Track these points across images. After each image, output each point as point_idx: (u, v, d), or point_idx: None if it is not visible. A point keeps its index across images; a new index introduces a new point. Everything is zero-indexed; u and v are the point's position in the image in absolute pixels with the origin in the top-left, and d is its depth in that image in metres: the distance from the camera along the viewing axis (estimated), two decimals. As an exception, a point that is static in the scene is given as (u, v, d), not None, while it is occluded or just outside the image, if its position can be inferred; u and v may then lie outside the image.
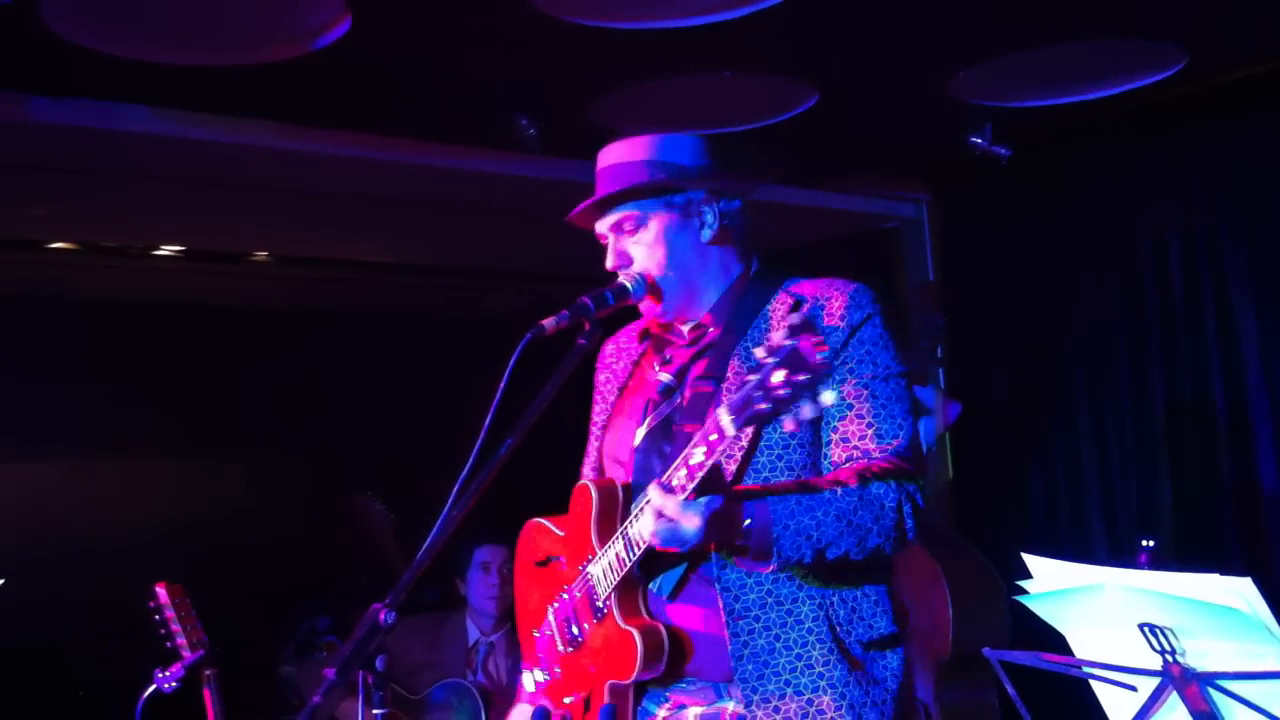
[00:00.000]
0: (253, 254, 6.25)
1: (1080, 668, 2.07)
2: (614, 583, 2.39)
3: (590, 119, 4.77)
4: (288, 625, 5.78)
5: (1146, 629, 1.91)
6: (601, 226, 2.54)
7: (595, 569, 2.44)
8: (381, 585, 2.23)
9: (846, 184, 5.90)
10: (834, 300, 2.40)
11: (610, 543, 2.40)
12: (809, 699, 2.30)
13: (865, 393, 2.35)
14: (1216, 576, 1.83)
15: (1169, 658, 1.91)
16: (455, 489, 2.20)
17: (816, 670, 2.31)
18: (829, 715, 2.29)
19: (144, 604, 3.50)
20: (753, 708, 2.32)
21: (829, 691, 2.30)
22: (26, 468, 6.60)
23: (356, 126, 4.75)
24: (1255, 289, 5.10)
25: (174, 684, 3.38)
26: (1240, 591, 1.81)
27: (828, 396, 2.00)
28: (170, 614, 3.46)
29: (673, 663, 2.39)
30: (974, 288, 6.03)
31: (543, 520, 2.68)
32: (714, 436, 2.12)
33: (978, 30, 4.26)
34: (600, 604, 2.43)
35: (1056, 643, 2.19)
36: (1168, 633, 1.90)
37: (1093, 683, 2.08)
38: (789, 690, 2.30)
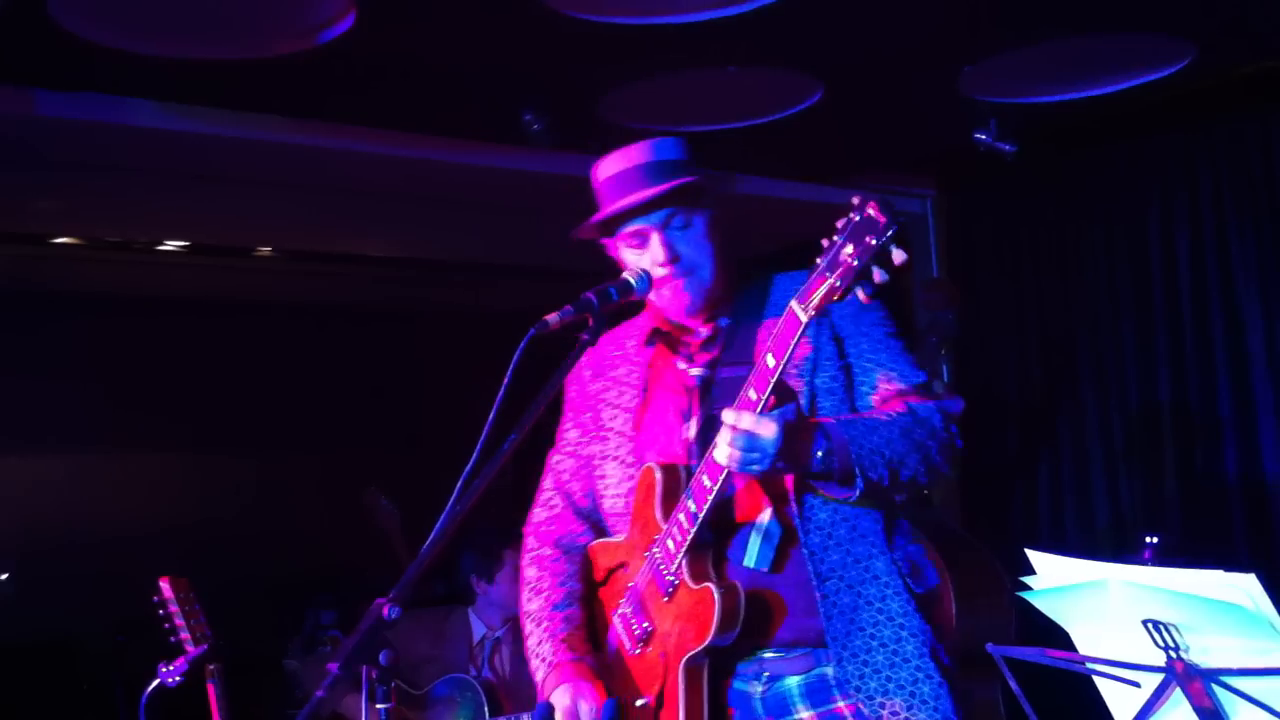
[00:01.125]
0: (258, 249, 6.26)
1: (1084, 664, 2.07)
2: (684, 546, 2.41)
3: (598, 114, 4.77)
4: (294, 619, 5.79)
5: (1150, 625, 1.91)
6: (645, 223, 2.53)
7: (660, 546, 2.47)
8: (388, 580, 2.23)
9: (851, 179, 5.89)
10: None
11: (675, 510, 2.43)
12: (894, 649, 2.41)
13: (882, 347, 2.51)
14: (1221, 572, 1.82)
15: (1173, 654, 1.91)
16: (459, 485, 2.20)
17: (897, 621, 2.42)
18: (914, 662, 2.41)
19: (149, 598, 3.50)
20: (844, 664, 2.41)
21: (910, 640, 2.41)
22: (33, 462, 6.61)
23: (363, 121, 4.75)
24: (1262, 285, 5.09)
25: (178, 678, 3.38)
26: (1245, 587, 1.81)
27: (898, 254, 2.06)
28: (174, 608, 3.46)
29: (751, 626, 2.41)
30: (979, 284, 6.02)
31: (599, 540, 2.71)
32: (784, 331, 2.19)
33: (984, 26, 4.25)
34: (670, 576, 2.45)
35: (1060, 639, 2.19)
36: (1172, 629, 1.89)
37: (1096, 679, 2.08)
38: (874, 643, 2.41)
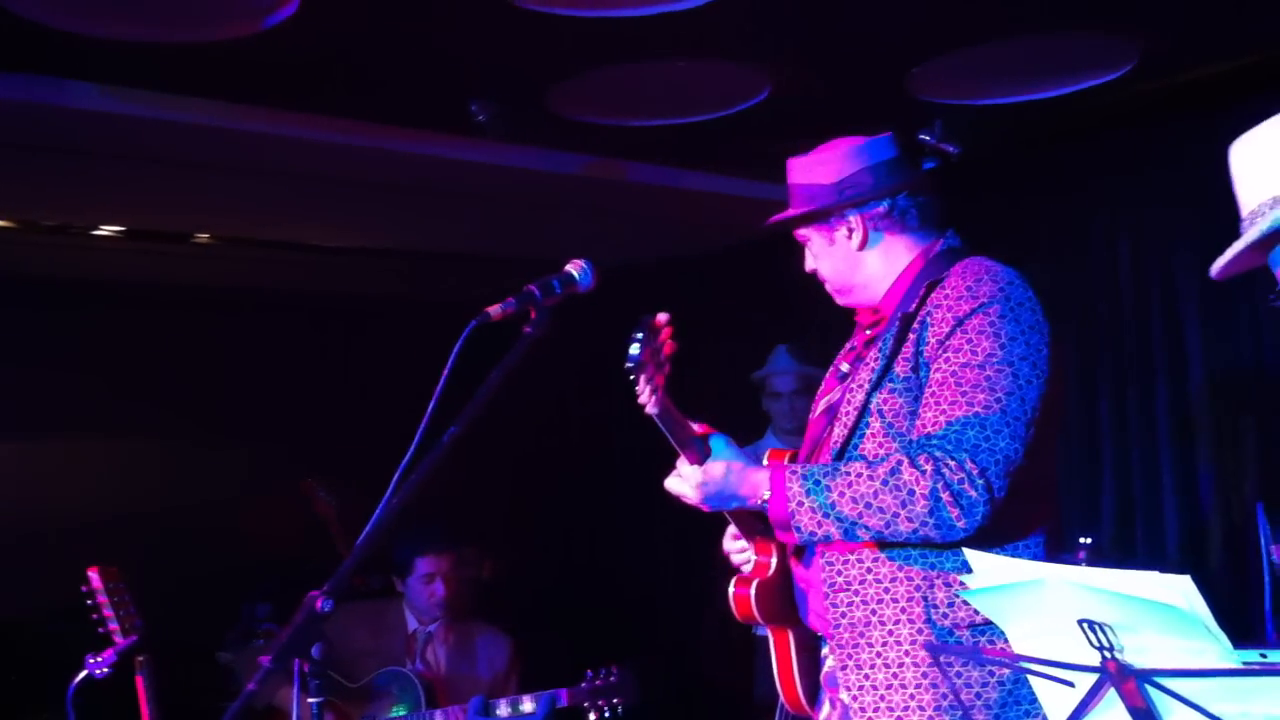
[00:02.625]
0: (198, 235, 6.18)
1: (1018, 662, 2.08)
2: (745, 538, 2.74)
3: (546, 106, 4.75)
4: (228, 611, 5.72)
5: (1086, 625, 1.92)
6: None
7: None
8: (325, 572, 2.21)
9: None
10: (954, 289, 2.50)
11: None
12: (894, 672, 2.45)
13: (951, 380, 2.42)
14: (1156, 574, 1.83)
15: (1107, 654, 1.92)
16: (396, 477, 2.18)
17: (904, 647, 2.45)
18: (909, 690, 2.44)
19: (79, 588, 3.45)
20: (847, 672, 2.49)
21: (912, 669, 2.44)
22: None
23: (306, 108, 4.69)
24: (1202, 290, 5.15)
25: (106, 670, 3.34)
26: (1179, 589, 1.82)
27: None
28: (103, 598, 3.41)
29: (787, 615, 2.67)
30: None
31: None
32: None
33: (932, 26, 4.27)
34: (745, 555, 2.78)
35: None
36: (1107, 629, 1.90)
37: (1031, 678, 2.09)
38: (879, 661, 2.47)
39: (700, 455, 2.51)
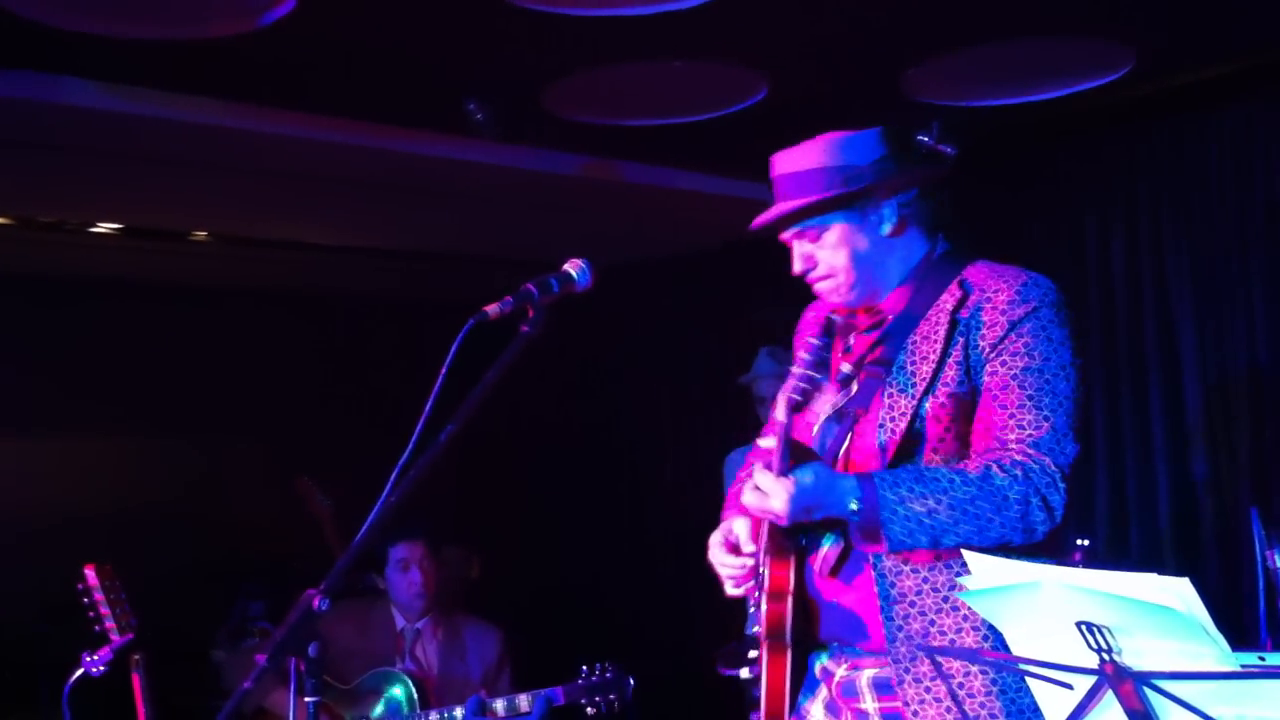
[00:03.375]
0: (193, 233, 6.17)
1: (1016, 665, 2.08)
2: (762, 550, 2.55)
3: (542, 106, 4.74)
4: (223, 609, 5.72)
5: (1084, 627, 1.92)
6: (785, 235, 2.63)
7: (759, 543, 2.58)
8: (319, 570, 2.20)
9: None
10: (1001, 293, 2.47)
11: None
12: (959, 682, 2.38)
13: (1014, 384, 2.40)
14: (1155, 576, 1.83)
15: (1105, 656, 1.92)
16: (393, 476, 2.18)
17: None
18: (979, 699, 2.37)
19: (74, 586, 3.44)
20: (904, 686, 2.41)
21: (979, 677, 2.38)
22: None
23: (303, 107, 4.69)
24: (1194, 292, 5.15)
25: (101, 668, 3.33)
26: (1178, 591, 1.82)
27: (828, 395, 2.41)
28: (99, 596, 3.40)
29: (809, 631, 2.54)
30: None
31: None
32: (781, 422, 2.41)
33: (928, 28, 4.27)
34: (762, 569, 2.57)
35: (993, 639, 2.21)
36: (1105, 631, 1.90)
37: (1029, 680, 2.09)
38: (940, 672, 2.38)
39: (784, 466, 2.38)
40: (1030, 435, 2.36)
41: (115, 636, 3.38)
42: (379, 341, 7.46)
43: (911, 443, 2.44)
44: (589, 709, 4.06)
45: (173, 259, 6.52)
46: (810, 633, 2.56)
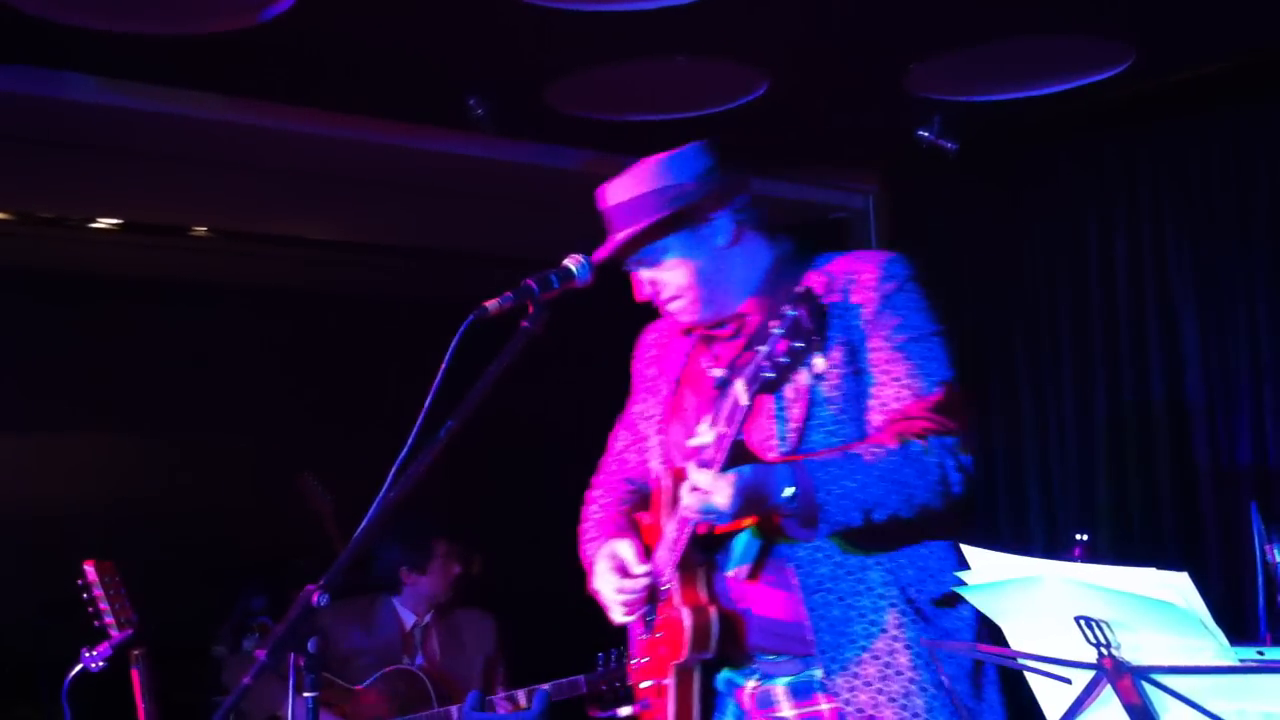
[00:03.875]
0: (193, 228, 6.16)
1: (1015, 659, 2.08)
2: (673, 563, 2.48)
3: (544, 101, 4.74)
4: (223, 605, 5.71)
5: (1083, 622, 1.92)
6: (627, 266, 2.60)
7: (661, 553, 2.53)
8: (320, 566, 2.21)
9: (795, 173, 5.90)
10: (866, 272, 2.48)
11: (671, 522, 2.49)
12: (886, 661, 2.38)
13: (899, 355, 2.42)
14: (1154, 570, 1.83)
15: (1103, 650, 1.92)
16: (393, 472, 2.18)
17: (890, 633, 2.39)
18: (906, 674, 2.37)
19: (73, 582, 3.44)
20: (834, 676, 2.40)
21: (904, 652, 2.38)
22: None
23: (303, 102, 4.69)
24: (1197, 288, 5.16)
25: (101, 663, 3.34)
26: (1177, 586, 1.82)
27: (819, 362, 2.19)
28: (99, 592, 3.40)
29: (728, 643, 2.48)
30: (920, 280, 6.05)
31: (643, 513, 2.76)
32: (733, 408, 2.26)
33: (932, 24, 4.27)
34: (664, 586, 2.52)
35: (993, 634, 2.21)
36: (1104, 626, 1.90)
37: (1028, 675, 2.09)
38: (865, 654, 2.39)
39: (726, 462, 2.30)
40: (928, 401, 2.39)
41: (115, 632, 3.38)
42: (379, 338, 7.44)
43: (810, 428, 2.43)
44: (605, 688, 4.08)
45: (171, 254, 6.52)
46: (737, 647, 2.50)
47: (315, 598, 2.05)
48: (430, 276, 7.27)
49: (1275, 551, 3.94)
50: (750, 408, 2.25)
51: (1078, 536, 4.39)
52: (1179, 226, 5.22)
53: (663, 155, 2.55)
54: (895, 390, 2.41)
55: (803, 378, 2.23)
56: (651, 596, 2.57)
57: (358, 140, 4.90)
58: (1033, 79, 4.82)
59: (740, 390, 2.23)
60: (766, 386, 2.22)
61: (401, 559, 4.67)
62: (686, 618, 2.45)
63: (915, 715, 2.36)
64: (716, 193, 2.53)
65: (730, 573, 2.49)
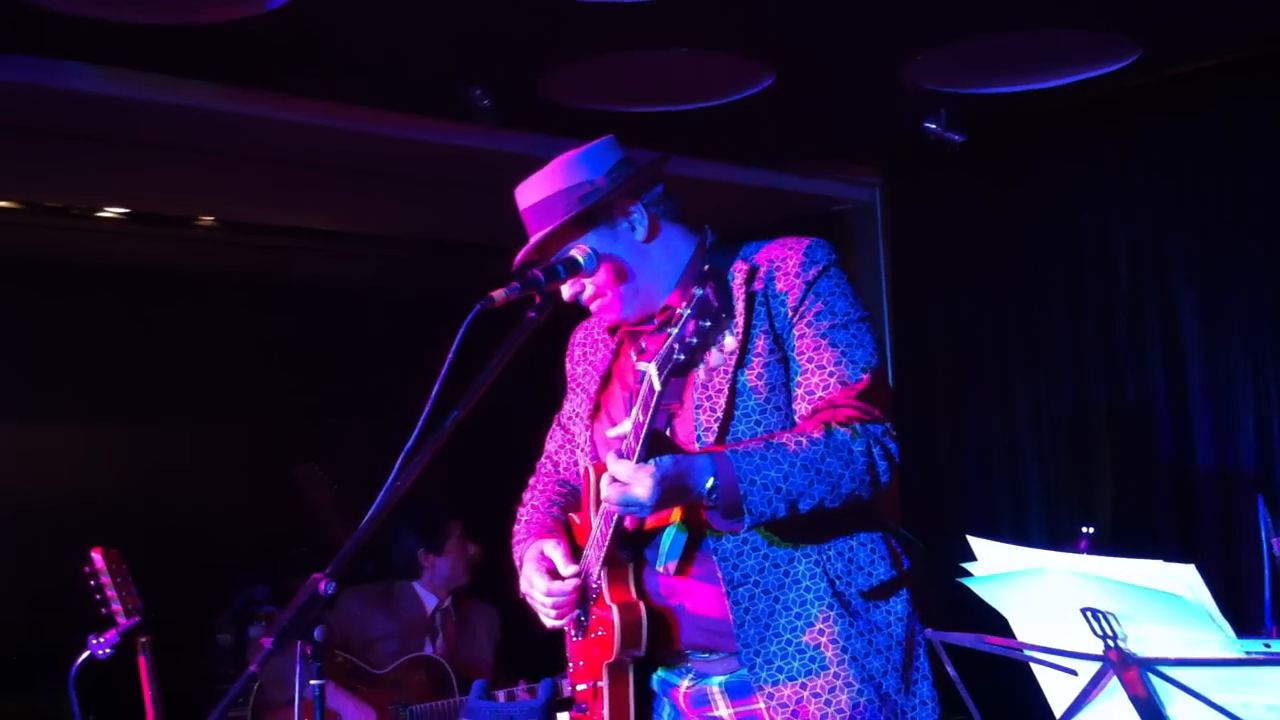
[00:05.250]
0: (198, 218, 6.16)
1: (1021, 651, 2.08)
2: (600, 560, 2.44)
3: (544, 93, 4.74)
4: (227, 594, 5.73)
5: (1089, 613, 1.92)
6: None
7: (589, 551, 2.48)
8: (322, 555, 2.20)
9: (799, 165, 5.89)
10: (789, 259, 2.43)
11: (598, 518, 2.44)
12: (811, 655, 2.35)
13: (824, 342, 2.38)
14: (1160, 562, 1.84)
15: (1109, 642, 1.92)
16: (399, 461, 2.18)
17: (817, 627, 2.35)
18: (832, 669, 2.34)
19: (79, 570, 3.44)
20: (757, 670, 2.37)
21: (830, 646, 2.34)
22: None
23: (305, 93, 4.68)
24: (1197, 280, 5.16)
25: (108, 650, 3.34)
26: (1183, 578, 1.83)
27: (729, 341, 2.10)
28: (106, 580, 3.41)
29: (660, 640, 2.44)
30: (923, 272, 6.06)
31: (573, 514, 2.71)
32: (647, 393, 2.18)
33: (934, 16, 4.26)
34: (594, 584, 2.47)
35: (999, 626, 2.20)
36: (1110, 618, 1.91)
37: (1033, 666, 2.09)
38: (790, 649, 2.35)
39: (644, 452, 2.23)
40: (854, 388, 2.35)
41: (121, 620, 3.38)
42: (381, 329, 7.45)
43: (735, 418, 2.39)
44: None
45: (172, 245, 6.52)
46: (668, 644, 2.46)
47: (322, 586, 2.04)
48: (431, 267, 7.28)
49: (1280, 543, 3.95)
50: (663, 392, 2.17)
51: (1083, 529, 4.39)
52: (1178, 218, 5.22)
53: (573, 152, 2.52)
54: (821, 378, 2.37)
55: (713, 358, 2.14)
56: (583, 598, 2.52)
57: (358, 131, 4.90)
58: (1034, 72, 4.82)
59: (652, 374, 2.16)
60: (678, 369, 2.14)
61: (418, 542, 4.72)
62: (615, 616, 2.40)
63: (839, 711, 2.32)
64: (629, 186, 2.50)
65: (659, 568, 2.44)
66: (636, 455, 2.21)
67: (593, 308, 2.56)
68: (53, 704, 4.87)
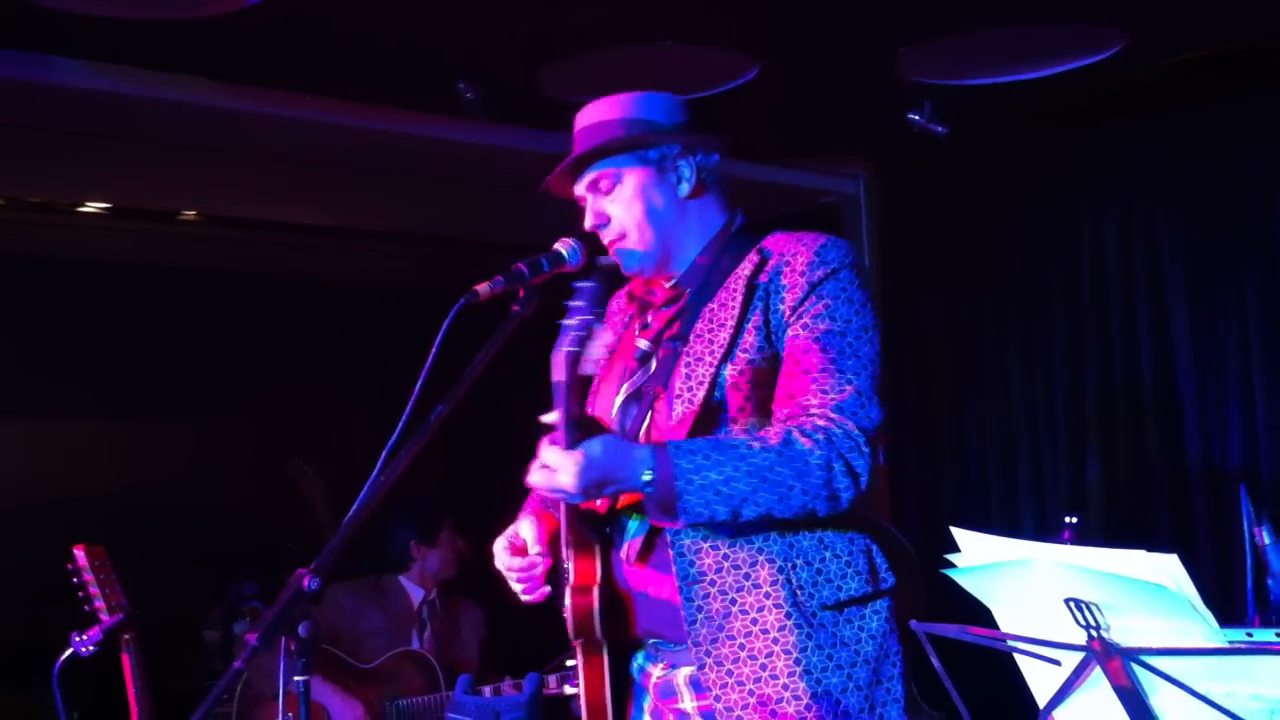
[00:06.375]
0: (184, 213, 6.15)
1: (1005, 641, 2.08)
2: (565, 543, 2.44)
3: (533, 86, 4.73)
4: (215, 590, 5.72)
5: (1072, 604, 1.92)
6: (579, 188, 2.54)
7: (564, 533, 2.48)
8: (311, 551, 2.20)
9: (785, 158, 5.89)
10: (800, 256, 2.39)
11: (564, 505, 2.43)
12: (762, 663, 2.29)
13: (815, 347, 2.31)
14: (1144, 553, 1.84)
15: (1093, 632, 1.93)
16: (383, 457, 2.17)
17: (771, 635, 2.29)
18: (782, 680, 2.28)
19: (65, 567, 3.44)
20: (706, 670, 2.32)
21: (782, 656, 2.28)
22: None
23: (293, 87, 4.67)
24: (1188, 275, 5.17)
25: (91, 648, 3.33)
26: (1166, 568, 1.83)
27: (606, 336, 2.22)
28: (89, 576, 3.40)
29: (619, 625, 2.42)
30: (910, 265, 6.06)
31: None
32: (559, 383, 2.24)
33: (922, 8, 4.26)
34: (566, 563, 2.46)
35: (983, 616, 2.20)
36: (1094, 608, 1.91)
37: (1017, 657, 2.10)
38: (743, 654, 2.30)
39: (572, 438, 2.22)
40: (833, 399, 2.27)
41: (105, 617, 3.38)
42: (369, 324, 7.45)
43: (710, 413, 2.34)
44: None
45: (162, 240, 6.50)
46: (626, 630, 2.44)
47: (306, 582, 2.04)
48: (421, 262, 7.27)
49: (1264, 533, 3.95)
50: (566, 383, 2.21)
51: (1067, 519, 4.40)
52: (1169, 212, 5.23)
53: (641, 92, 2.51)
54: (804, 382, 2.30)
55: (596, 350, 2.19)
56: (562, 578, 2.50)
57: (348, 125, 4.88)
58: (1024, 64, 4.81)
59: (557, 362, 2.24)
60: (573, 361, 2.21)
61: (412, 534, 4.75)
62: (568, 598, 2.41)
63: None
64: (691, 142, 2.50)
65: (620, 554, 2.42)
66: (565, 442, 2.20)
67: (614, 248, 2.52)
68: (43, 701, 4.87)
